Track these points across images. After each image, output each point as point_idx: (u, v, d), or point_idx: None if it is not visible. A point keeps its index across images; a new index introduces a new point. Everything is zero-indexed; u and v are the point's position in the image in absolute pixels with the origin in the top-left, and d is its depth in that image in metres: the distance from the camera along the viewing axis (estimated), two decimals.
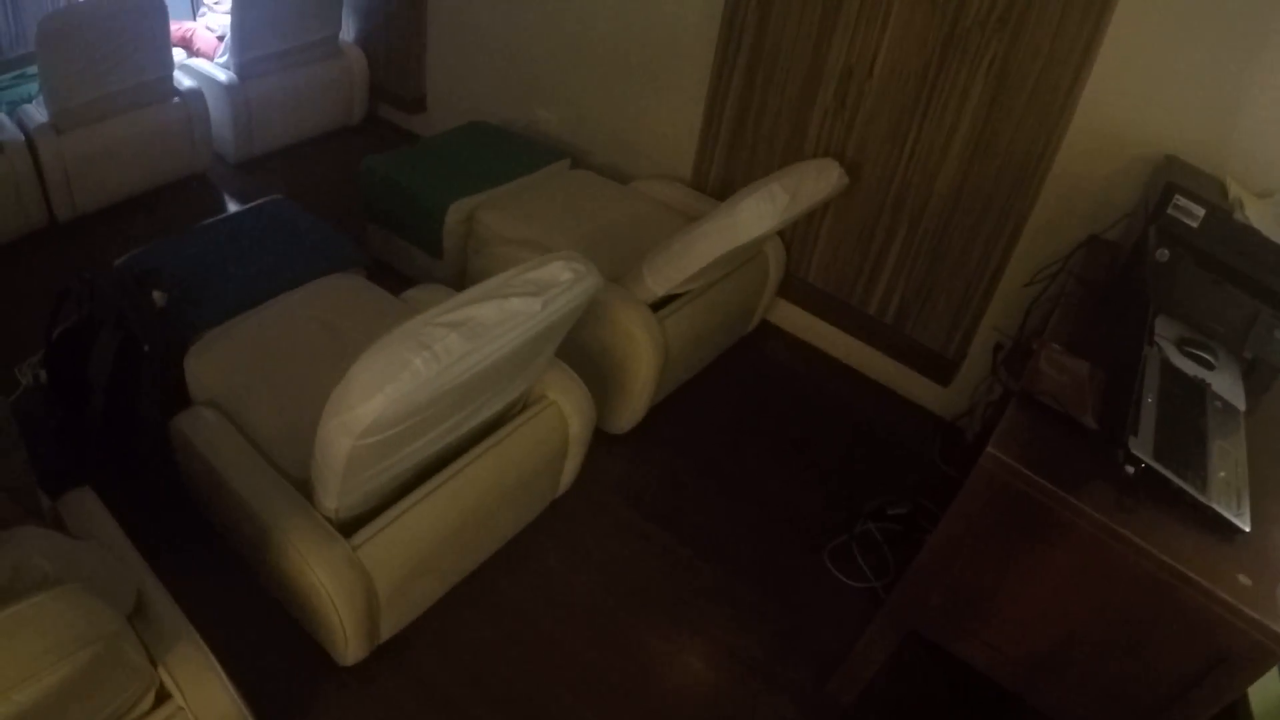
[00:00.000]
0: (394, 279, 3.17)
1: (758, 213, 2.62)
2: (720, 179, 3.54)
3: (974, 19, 2.68)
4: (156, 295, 2.57)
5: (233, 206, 3.95)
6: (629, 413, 2.92)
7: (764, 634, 2.52)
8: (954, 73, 2.79)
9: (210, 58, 4.17)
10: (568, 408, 2.47)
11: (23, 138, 3.40)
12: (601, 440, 2.90)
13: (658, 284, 2.78)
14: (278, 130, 4.29)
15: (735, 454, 3.09)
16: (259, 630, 2.25)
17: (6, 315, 3.14)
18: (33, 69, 3.71)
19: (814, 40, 3.04)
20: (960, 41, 2.74)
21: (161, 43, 3.65)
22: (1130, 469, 1.73)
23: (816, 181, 2.81)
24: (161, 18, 3.59)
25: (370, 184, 3.49)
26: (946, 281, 3.10)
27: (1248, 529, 1.69)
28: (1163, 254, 2.10)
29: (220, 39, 4.20)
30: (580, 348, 2.71)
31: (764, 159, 3.36)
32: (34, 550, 1.49)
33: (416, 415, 1.77)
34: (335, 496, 1.93)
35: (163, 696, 1.67)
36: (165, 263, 2.79)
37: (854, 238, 3.26)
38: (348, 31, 4.54)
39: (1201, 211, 2.10)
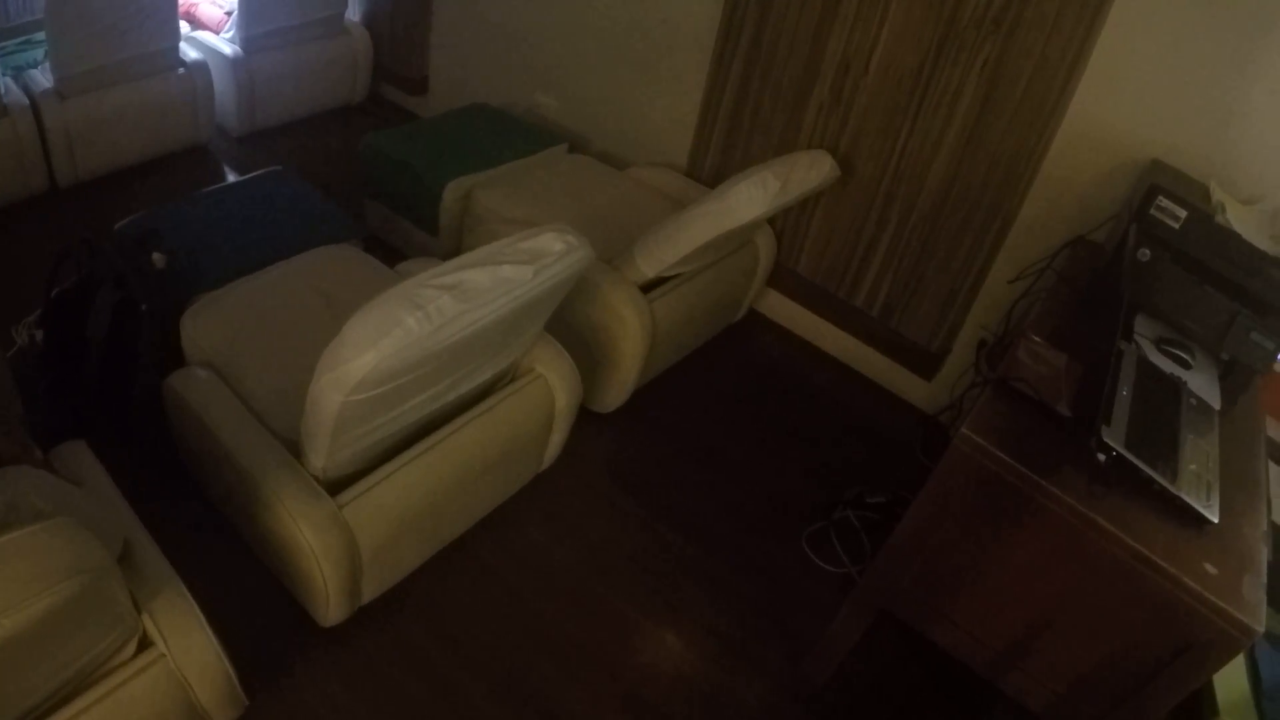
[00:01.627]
0: (390, 254, 3.20)
1: (749, 198, 2.65)
2: (715, 168, 3.58)
3: (970, 19, 2.72)
4: (156, 257, 2.59)
5: (232, 178, 3.97)
6: (615, 392, 2.95)
7: (740, 613, 2.55)
8: (948, 71, 2.83)
9: (214, 32, 4.19)
10: (555, 381, 2.50)
11: (27, 102, 3.42)
12: (587, 419, 2.94)
13: (648, 265, 2.81)
14: (280, 105, 4.31)
15: (718, 438, 3.13)
16: (242, 590, 2.28)
17: (2, 278, 3.15)
18: (39, 35, 3.72)
19: (812, 34, 3.07)
20: (955, 41, 2.78)
21: (168, 14, 3.68)
22: (1102, 457, 1.75)
23: (808, 171, 2.85)
24: None
25: (371, 160, 3.51)
26: (933, 277, 3.13)
27: (1216, 520, 1.72)
28: (1144, 254, 2.12)
29: (227, 14, 4.23)
30: (570, 326, 2.75)
31: (759, 150, 3.39)
32: (29, 488, 1.52)
33: (406, 374, 1.80)
34: (323, 455, 1.96)
35: (145, 645, 1.69)
36: (165, 227, 2.82)
37: (844, 231, 3.30)
38: (353, 10, 4.56)
39: (1183, 213, 2.12)
